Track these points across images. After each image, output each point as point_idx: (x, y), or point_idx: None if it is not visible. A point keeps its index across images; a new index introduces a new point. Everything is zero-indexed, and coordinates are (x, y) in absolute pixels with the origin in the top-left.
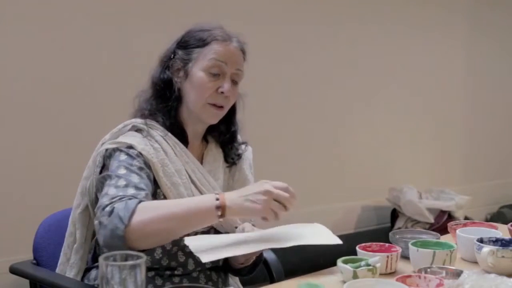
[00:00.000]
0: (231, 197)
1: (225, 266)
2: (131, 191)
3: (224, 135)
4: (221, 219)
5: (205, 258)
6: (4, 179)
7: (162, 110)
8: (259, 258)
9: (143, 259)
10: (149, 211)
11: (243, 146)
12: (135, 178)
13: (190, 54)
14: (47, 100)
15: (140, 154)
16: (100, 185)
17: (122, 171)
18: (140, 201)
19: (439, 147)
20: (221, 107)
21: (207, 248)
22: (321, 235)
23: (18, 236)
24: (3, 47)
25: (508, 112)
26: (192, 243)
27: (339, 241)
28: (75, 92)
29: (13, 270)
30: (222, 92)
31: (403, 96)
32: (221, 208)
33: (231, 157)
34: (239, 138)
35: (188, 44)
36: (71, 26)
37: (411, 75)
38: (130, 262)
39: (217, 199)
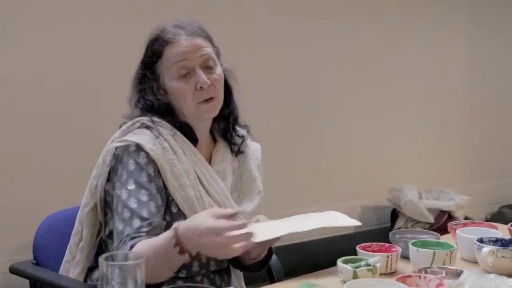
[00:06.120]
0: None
1: (234, 264)
2: (136, 223)
3: (227, 117)
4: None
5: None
6: (4, 179)
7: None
8: (270, 253)
9: (143, 259)
10: None
11: (245, 132)
12: (143, 197)
13: (155, 71)
14: (47, 100)
15: (150, 159)
16: (113, 199)
17: (131, 186)
18: (131, 246)
19: (439, 147)
20: (211, 98)
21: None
22: (339, 218)
23: (18, 236)
24: (3, 48)
25: (509, 111)
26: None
27: (358, 223)
28: (75, 92)
29: (13, 270)
30: (201, 88)
31: (403, 95)
32: (179, 244)
33: (236, 144)
34: (240, 121)
35: (149, 62)
36: (70, 26)
37: (411, 75)
38: (130, 262)
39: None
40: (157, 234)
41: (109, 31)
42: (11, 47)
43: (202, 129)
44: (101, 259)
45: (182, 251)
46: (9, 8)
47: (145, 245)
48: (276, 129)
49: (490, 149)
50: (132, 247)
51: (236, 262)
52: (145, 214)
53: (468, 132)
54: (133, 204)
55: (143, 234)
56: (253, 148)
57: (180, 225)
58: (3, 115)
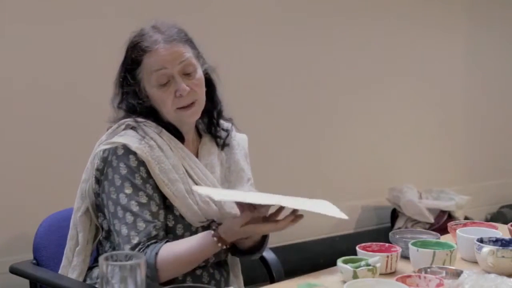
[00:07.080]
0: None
1: (232, 251)
2: (140, 225)
3: (211, 112)
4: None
5: (217, 196)
6: (4, 179)
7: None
8: (265, 235)
9: (143, 259)
10: (169, 266)
11: (229, 125)
12: (142, 199)
13: (136, 77)
14: (47, 100)
15: (140, 161)
16: (104, 202)
17: (128, 190)
18: (156, 254)
19: (439, 146)
20: (192, 103)
21: (219, 192)
22: (330, 209)
23: (18, 236)
24: (2, 48)
25: (509, 111)
26: (202, 189)
27: (345, 217)
28: (74, 91)
29: (13, 270)
30: (180, 95)
31: (403, 95)
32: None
33: (221, 137)
34: (224, 115)
35: (129, 67)
36: (70, 25)
37: (411, 74)
38: (130, 262)
39: (218, 243)
40: (163, 236)
41: (110, 31)
42: (10, 47)
43: (187, 127)
44: (101, 259)
45: (223, 243)
46: (9, 8)
47: (173, 248)
48: (275, 129)
49: (490, 149)
50: (156, 254)
51: (234, 247)
52: (148, 216)
53: (468, 132)
54: (134, 207)
55: (154, 240)
56: (239, 139)
57: (219, 230)
58: (2, 115)
